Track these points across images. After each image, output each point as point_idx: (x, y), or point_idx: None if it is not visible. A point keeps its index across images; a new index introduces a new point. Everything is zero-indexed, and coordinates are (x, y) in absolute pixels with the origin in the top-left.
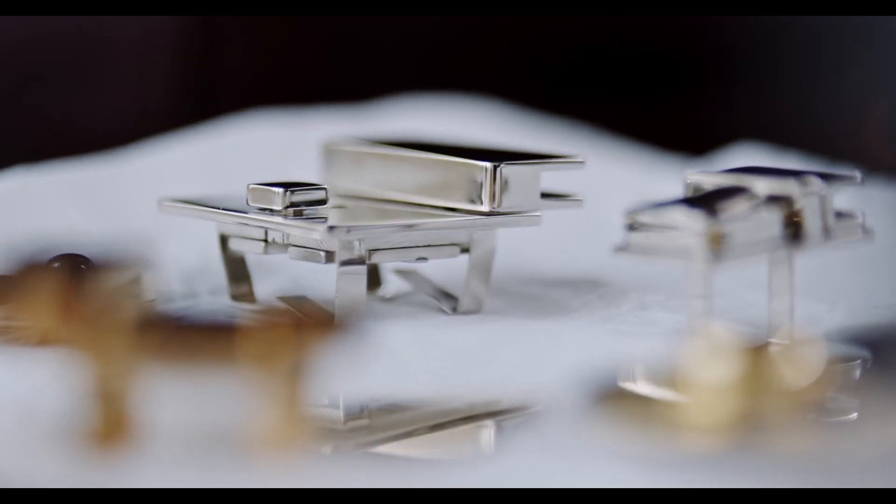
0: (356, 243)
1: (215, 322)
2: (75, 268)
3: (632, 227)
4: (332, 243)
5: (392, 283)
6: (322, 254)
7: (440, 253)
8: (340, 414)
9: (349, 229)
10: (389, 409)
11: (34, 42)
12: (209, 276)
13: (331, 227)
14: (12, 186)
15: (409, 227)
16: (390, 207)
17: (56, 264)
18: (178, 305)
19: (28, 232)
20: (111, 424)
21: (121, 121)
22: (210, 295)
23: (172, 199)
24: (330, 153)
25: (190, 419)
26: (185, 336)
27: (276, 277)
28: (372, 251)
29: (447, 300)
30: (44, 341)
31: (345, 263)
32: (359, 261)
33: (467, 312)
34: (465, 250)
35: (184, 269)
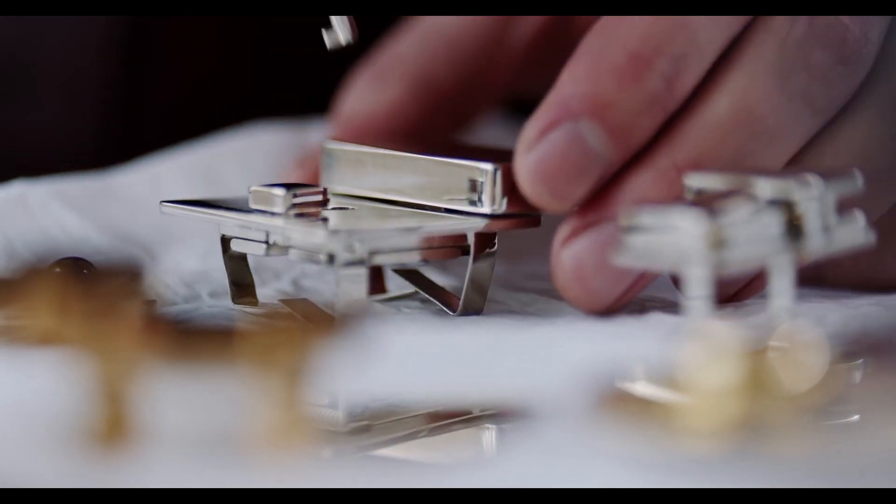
0: (357, 245)
1: (216, 324)
2: (77, 270)
3: (630, 230)
4: (334, 246)
5: (392, 284)
6: (323, 256)
7: (441, 254)
8: (341, 415)
9: (350, 232)
10: (390, 411)
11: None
12: (210, 278)
13: (332, 230)
14: (12, 193)
15: (411, 229)
16: (391, 209)
17: (57, 269)
18: (180, 308)
19: (28, 237)
20: (112, 424)
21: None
22: (211, 297)
23: (174, 202)
24: (329, 154)
25: (191, 420)
26: (186, 338)
27: (277, 280)
28: (373, 253)
29: (447, 300)
30: (45, 341)
31: (346, 265)
32: (360, 262)
33: (467, 313)
34: (466, 252)
35: (185, 271)
